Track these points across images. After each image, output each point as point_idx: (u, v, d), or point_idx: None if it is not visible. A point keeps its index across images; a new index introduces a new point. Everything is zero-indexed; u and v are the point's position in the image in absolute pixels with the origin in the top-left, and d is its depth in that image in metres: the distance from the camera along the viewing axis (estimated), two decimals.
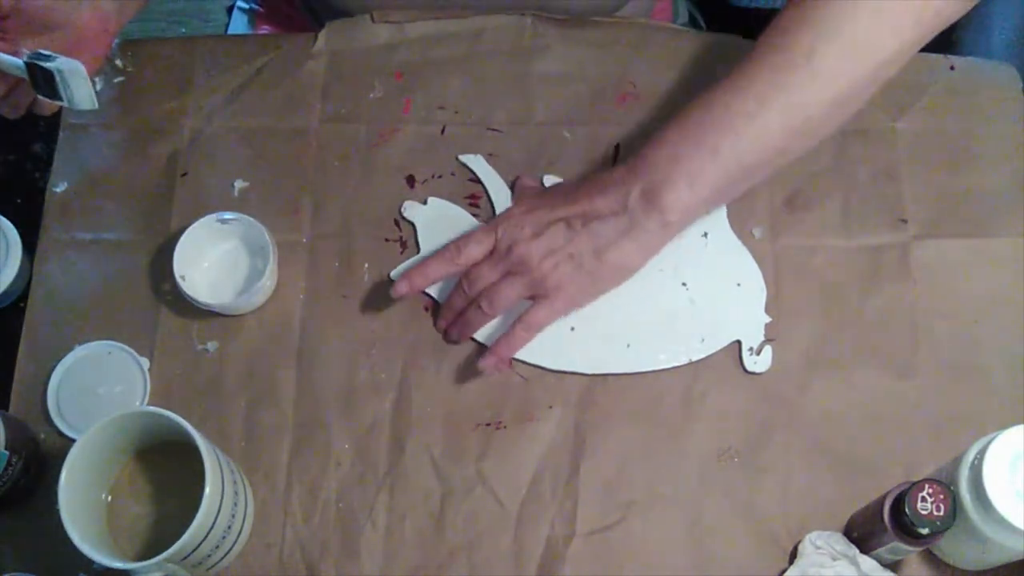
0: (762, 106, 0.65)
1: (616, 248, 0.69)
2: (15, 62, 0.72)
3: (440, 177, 0.82)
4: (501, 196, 0.80)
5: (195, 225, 0.77)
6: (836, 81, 0.66)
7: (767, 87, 0.65)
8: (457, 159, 0.81)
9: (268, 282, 0.77)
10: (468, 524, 0.72)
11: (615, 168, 0.70)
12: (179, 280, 0.75)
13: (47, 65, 0.71)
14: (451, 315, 0.76)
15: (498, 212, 0.78)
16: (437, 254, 0.73)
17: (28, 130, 0.86)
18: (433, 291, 0.78)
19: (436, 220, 0.80)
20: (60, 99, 0.73)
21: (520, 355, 0.75)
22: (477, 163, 0.81)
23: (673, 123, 0.68)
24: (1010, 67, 0.84)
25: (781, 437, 0.73)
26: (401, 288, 0.73)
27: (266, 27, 1.04)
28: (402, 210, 0.80)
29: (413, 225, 0.80)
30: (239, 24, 1.06)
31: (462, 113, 0.84)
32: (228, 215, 0.77)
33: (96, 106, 0.75)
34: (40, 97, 0.75)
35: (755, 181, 0.69)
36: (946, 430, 0.73)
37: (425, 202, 0.80)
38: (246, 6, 1.05)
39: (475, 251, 0.72)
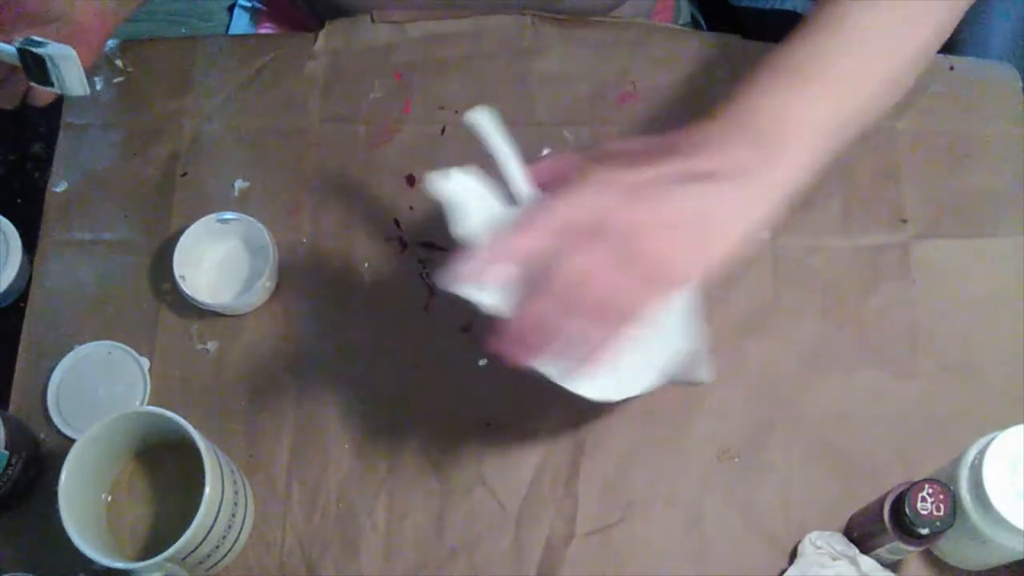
0: (863, 47, 0.57)
1: (732, 209, 0.54)
2: (7, 49, 0.72)
3: None
4: (511, 167, 0.63)
5: (195, 225, 0.77)
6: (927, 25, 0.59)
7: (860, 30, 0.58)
8: (464, 120, 0.63)
9: (268, 282, 0.77)
10: (468, 524, 0.72)
11: (710, 122, 0.58)
12: (179, 280, 0.75)
13: (38, 51, 0.71)
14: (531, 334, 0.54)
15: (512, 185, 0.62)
16: (526, 221, 0.53)
17: (28, 130, 0.86)
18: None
19: (469, 193, 0.61)
20: (51, 85, 0.73)
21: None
22: (485, 120, 0.62)
23: (766, 70, 0.59)
24: (1010, 67, 0.84)
25: (781, 437, 0.73)
26: (472, 268, 0.53)
27: (268, 25, 1.04)
28: (427, 184, 0.61)
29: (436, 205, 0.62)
30: (240, 22, 1.05)
31: (462, 113, 0.84)
32: (228, 215, 0.77)
33: (88, 91, 0.75)
34: (33, 85, 0.75)
35: (848, 137, 0.58)
36: (946, 430, 0.72)
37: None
38: (248, 4, 1.05)
39: (569, 212, 0.53)
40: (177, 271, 0.76)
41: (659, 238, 0.53)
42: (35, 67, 0.72)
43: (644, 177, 0.54)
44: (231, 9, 1.06)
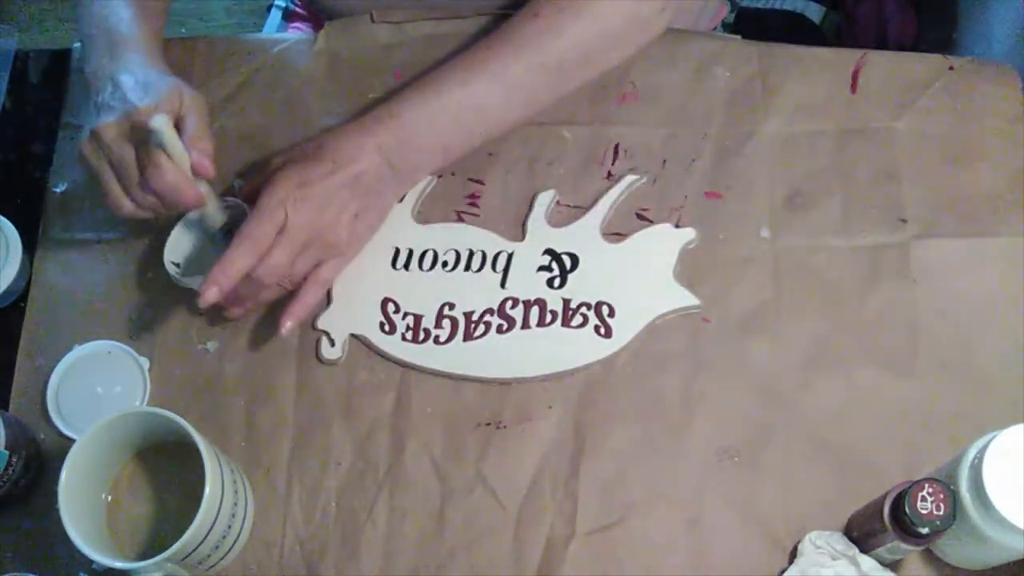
0: (472, 75, 0.75)
1: (386, 198, 0.78)
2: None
3: (440, 177, 0.82)
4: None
5: (189, 215, 0.77)
6: (562, 37, 0.75)
7: (477, 62, 0.76)
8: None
9: None
10: (468, 524, 0.72)
11: (363, 123, 0.76)
12: (169, 266, 0.75)
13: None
14: (238, 299, 0.76)
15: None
16: (234, 248, 0.71)
17: (28, 130, 0.86)
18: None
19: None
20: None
21: (469, 372, 0.76)
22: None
23: (409, 92, 0.76)
24: (1010, 67, 0.83)
25: (781, 437, 0.73)
26: (211, 295, 0.70)
27: (298, 25, 1.05)
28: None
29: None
30: (273, 21, 1.09)
31: None
32: (226, 199, 0.77)
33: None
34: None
35: (477, 137, 0.79)
36: (946, 430, 0.72)
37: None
38: (283, 4, 1.08)
39: (270, 232, 0.72)
40: (168, 258, 0.76)
41: (349, 231, 0.76)
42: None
43: (331, 184, 0.74)
44: (269, 8, 1.10)
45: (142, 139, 0.69)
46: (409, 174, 0.78)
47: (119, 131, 0.70)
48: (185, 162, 0.70)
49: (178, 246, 0.77)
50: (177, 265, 0.77)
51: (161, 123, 0.68)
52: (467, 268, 0.79)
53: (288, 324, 0.74)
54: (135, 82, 0.71)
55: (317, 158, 0.74)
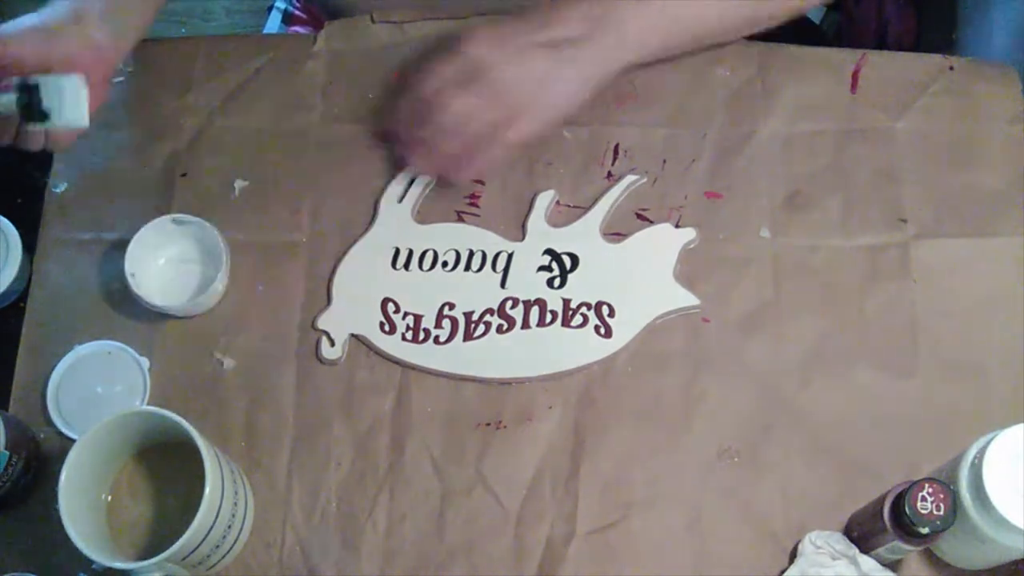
0: None
1: (583, 69, 0.76)
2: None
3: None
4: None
5: (148, 226, 0.77)
6: None
7: None
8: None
9: (220, 286, 0.77)
10: (468, 524, 0.72)
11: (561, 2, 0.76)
12: (129, 278, 0.75)
13: (32, 82, 0.68)
14: (420, 146, 0.78)
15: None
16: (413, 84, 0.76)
17: None
18: None
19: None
20: (46, 119, 0.69)
21: (469, 372, 0.76)
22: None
23: None
24: (1010, 67, 0.84)
25: (781, 437, 0.73)
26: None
27: (298, 27, 1.05)
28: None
29: None
30: (273, 23, 1.08)
31: None
32: (183, 217, 0.77)
33: (87, 123, 0.71)
34: (26, 125, 0.71)
35: (675, 37, 0.79)
36: (946, 430, 0.72)
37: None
38: (283, 6, 1.07)
39: (450, 79, 0.74)
40: (128, 269, 0.76)
41: (519, 91, 0.75)
42: (31, 104, 0.69)
43: (510, 46, 0.75)
44: (269, 10, 1.09)
45: None
46: (610, 52, 0.77)
47: None
48: None
49: (138, 256, 0.77)
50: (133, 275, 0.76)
51: None
52: (467, 268, 0.79)
53: (462, 176, 0.78)
54: None
55: (524, 18, 0.75)
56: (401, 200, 0.81)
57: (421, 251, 0.80)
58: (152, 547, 0.69)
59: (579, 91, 0.77)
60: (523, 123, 0.75)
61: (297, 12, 1.07)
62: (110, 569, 0.65)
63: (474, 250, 0.79)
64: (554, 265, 0.79)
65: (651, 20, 0.77)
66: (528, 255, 0.79)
